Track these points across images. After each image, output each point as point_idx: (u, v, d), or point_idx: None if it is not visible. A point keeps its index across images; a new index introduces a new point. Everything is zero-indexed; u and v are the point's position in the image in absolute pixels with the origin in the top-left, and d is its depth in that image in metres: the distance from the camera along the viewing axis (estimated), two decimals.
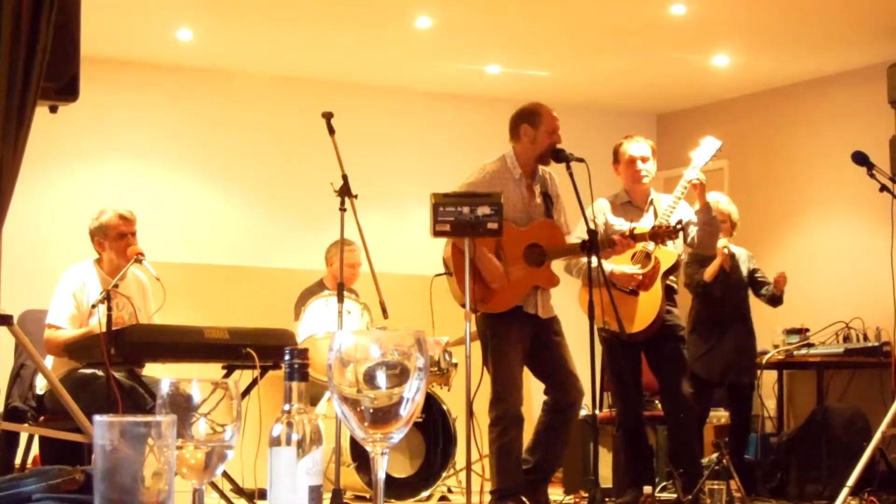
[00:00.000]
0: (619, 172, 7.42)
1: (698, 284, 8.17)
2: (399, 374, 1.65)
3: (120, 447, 1.51)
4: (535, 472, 6.78)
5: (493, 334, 6.72)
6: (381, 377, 1.65)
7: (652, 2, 8.72)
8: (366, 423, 1.65)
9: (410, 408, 1.65)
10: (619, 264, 7.16)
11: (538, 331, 6.78)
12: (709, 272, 8.12)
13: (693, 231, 7.33)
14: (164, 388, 1.76)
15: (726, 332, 8.23)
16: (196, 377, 1.80)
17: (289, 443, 1.88)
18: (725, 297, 8.25)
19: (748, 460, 8.51)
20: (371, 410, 1.65)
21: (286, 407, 1.90)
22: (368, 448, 1.68)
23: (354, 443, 7.45)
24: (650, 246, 7.14)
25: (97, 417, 1.52)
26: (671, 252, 7.27)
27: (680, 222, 7.00)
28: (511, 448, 6.66)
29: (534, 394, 6.91)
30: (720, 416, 9.06)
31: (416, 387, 1.65)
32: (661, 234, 6.97)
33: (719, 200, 8.15)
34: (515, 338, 6.72)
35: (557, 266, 6.95)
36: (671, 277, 7.34)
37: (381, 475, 1.68)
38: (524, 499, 6.66)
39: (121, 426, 1.51)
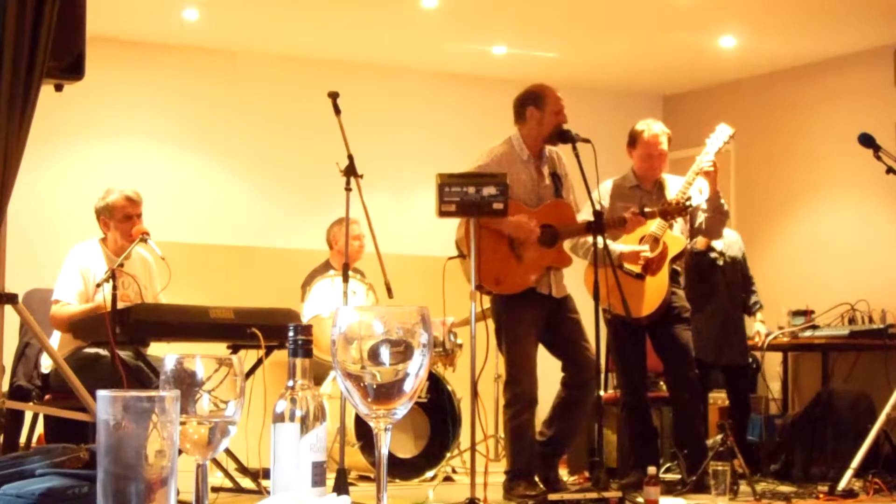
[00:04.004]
0: (634, 157, 7.42)
1: (692, 254, 8.16)
2: (403, 351, 1.65)
3: (123, 422, 1.50)
4: (549, 444, 6.81)
5: (506, 317, 6.75)
6: (385, 353, 1.64)
7: None
8: (369, 399, 1.65)
9: (414, 383, 1.65)
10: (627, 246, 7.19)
11: (553, 310, 6.81)
12: (701, 242, 8.11)
13: (701, 217, 7.34)
14: (169, 365, 1.76)
15: (720, 311, 8.24)
16: (200, 354, 1.80)
17: (292, 419, 1.88)
18: (719, 276, 8.25)
19: (750, 441, 8.51)
20: (374, 386, 1.65)
21: (290, 383, 1.90)
22: (372, 424, 1.68)
23: (359, 423, 7.46)
24: (659, 231, 7.14)
25: (101, 392, 1.51)
26: (679, 238, 7.29)
27: (689, 197, 7.02)
28: (524, 430, 6.69)
29: (547, 374, 6.91)
30: (723, 397, 9.06)
31: (419, 363, 1.65)
32: (670, 212, 6.99)
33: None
34: (529, 320, 6.74)
35: (564, 246, 6.96)
36: (677, 262, 7.35)
37: (385, 451, 1.68)
38: (537, 479, 6.70)
39: (124, 401, 1.51)
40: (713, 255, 8.29)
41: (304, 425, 1.88)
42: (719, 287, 8.25)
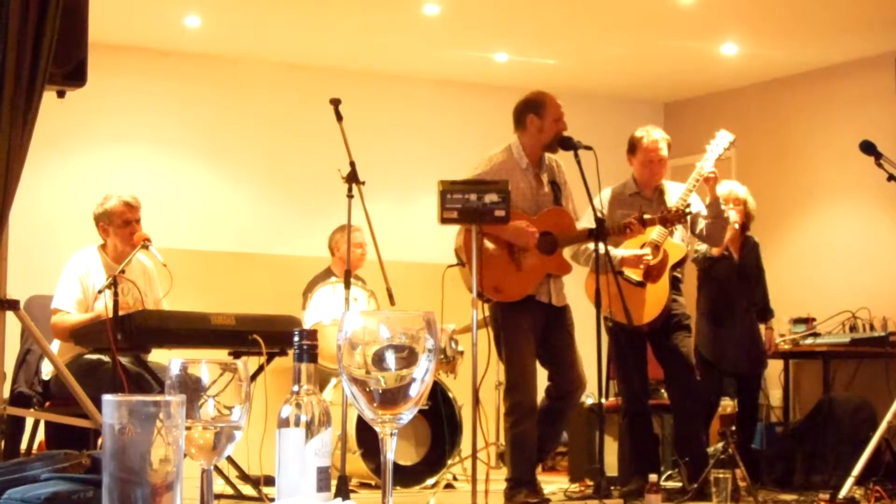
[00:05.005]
0: (634, 164, 7.42)
1: (706, 258, 8.12)
2: (407, 357, 1.64)
3: (129, 427, 1.50)
4: None
5: (505, 325, 6.73)
6: (390, 359, 1.64)
7: None
8: (375, 404, 1.65)
9: (420, 388, 1.65)
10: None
11: (550, 319, 6.80)
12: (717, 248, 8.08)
13: (702, 224, 7.33)
14: (174, 370, 1.76)
15: (738, 320, 8.19)
16: (205, 359, 1.80)
17: (297, 424, 1.88)
18: (739, 283, 8.21)
19: (754, 450, 8.49)
20: (380, 391, 1.64)
21: (295, 388, 1.90)
22: (377, 429, 1.68)
23: (360, 430, 7.45)
24: (660, 239, 7.14)
25: (106, 397, 1.51)
26: (680, 246, 7.28)
27: (688, 205, 7.03)
28: (525, 438, 6.69)
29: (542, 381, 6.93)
30: (726, 404, 9.05)
31: (425, 368, 1.64)
32: (669, 219, 6.99)
33: (732, 189, 8.11)
34: (528, 327, 6.73)
35: (565, 253, 6.96)
36: (678, 269, 7.35)
37: (391, 456, 1.68)
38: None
39: (129, 406, 1.51)
40: (727, 263, 8.22)
41: (310, 430, 1.88)
42: (734, 295, 8.21)
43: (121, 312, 6.03)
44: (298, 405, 1.88)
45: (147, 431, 1.51)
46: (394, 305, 6.45)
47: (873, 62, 9.91)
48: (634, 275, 7.16)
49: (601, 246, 6.55)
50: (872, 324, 9.20)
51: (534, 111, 6.86)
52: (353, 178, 6.39)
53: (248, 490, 6.49)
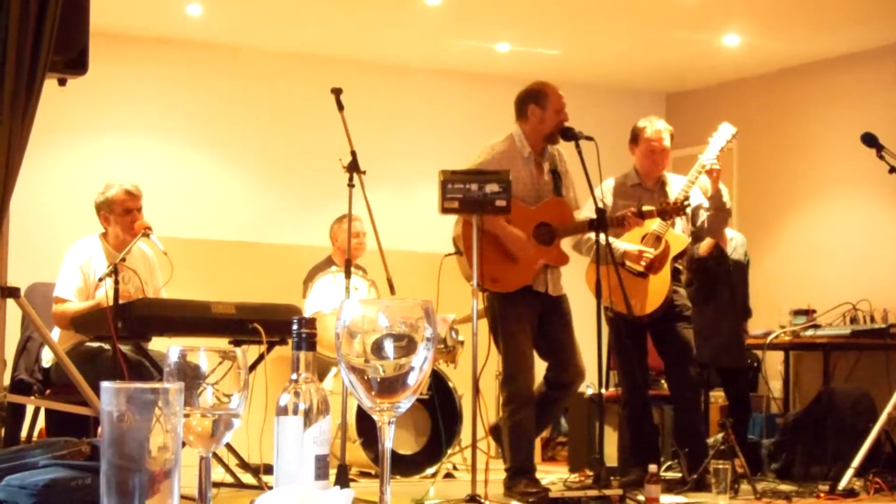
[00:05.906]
0: (636, 154, 7.41)
1: (692, 259, 8.12)
2: (406, 346, 1.65)
3: (127, 414, 1.50)
4: None
5: (502, 314, 6.72)
6: (389, 348, 1.64)
7: None
8: (373, 393, 1.65)
9: (418, 377, 1.65)
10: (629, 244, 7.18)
11: (547, 309, 6.79)
12: (703, 247, 8.07)
13: (703, 216, 7.33)
14: (172, 357, 1.76)
15: (720, 313, 8.20)
16: (203, 347, 1.80)
17: (296, 412, 1.88)
18: (723, 277, 8.21)
19: (751, 440, 8.51)
20: (378, 380, 1.65)
21: (293, 376, 1.90)
22: (376, 417, 1.68)
23: (360, 419, 7.46)
24: (661, 230, 7.13)
25: (105, 384, 1.51)
26: (682, 237, 7.27)
27: (687, 197, 7.02)
28: (523, 426, 6.68)
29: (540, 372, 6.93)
30: (717, 396, 9.05)
31: (423, 356, 1.65)
32: (668, 212, 6.98)
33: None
34: (524, 317, 6.72)
35: (566, 243, 6.95)
36: (679, 261, 7.34)
37: (388, 444, 1.68)
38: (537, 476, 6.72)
39: (128, 393, 1.51)
40: (715, 259, 8.22)
41: (308, 418, 1.88)
42: (718, 291, 8.21)
43: (121, 300, 6.04)
44: (297, 393, 1.89)
45: (146, 419, 1.51)
46: (394, 295, 6.45)
47: (875, 54, 9.91)
48: (636, 266, 7.16)
49: (602, 236, 6.55)
50: (873, 315, 9.20)
51: (535, 101, 6.85)
52: (353, 167, 6.38)
53: (247, 478, 6.50)
